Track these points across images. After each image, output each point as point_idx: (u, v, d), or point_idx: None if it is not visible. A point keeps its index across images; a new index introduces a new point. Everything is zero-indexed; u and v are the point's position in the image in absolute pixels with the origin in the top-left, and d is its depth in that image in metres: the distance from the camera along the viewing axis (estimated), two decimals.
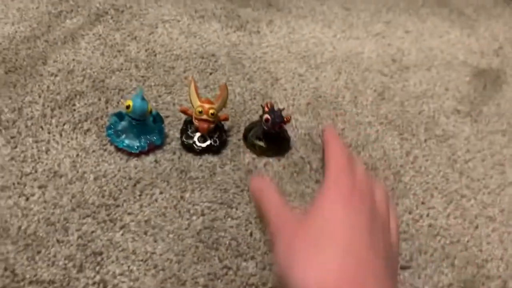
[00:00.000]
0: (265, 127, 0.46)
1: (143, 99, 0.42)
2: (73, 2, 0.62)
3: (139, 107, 0.42)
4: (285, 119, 0.46)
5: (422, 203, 0.46)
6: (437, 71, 0.64)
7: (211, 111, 0.45)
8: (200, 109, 0.45)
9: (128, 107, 0.42)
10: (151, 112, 0.44)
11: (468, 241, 0.44)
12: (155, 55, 0.57)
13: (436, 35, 0.71)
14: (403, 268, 0.41)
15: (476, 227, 0.45)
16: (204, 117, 0.45)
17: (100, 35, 0.58)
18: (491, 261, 0.43)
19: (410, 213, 0.45)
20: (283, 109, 0.47)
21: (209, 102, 0.46)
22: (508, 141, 0.55)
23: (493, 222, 0.46)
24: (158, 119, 0.46)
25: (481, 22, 0.77)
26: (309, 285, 0.29)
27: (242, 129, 0.50)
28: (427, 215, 0.45)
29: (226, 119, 0.48)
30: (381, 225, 0.35)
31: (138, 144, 0.44)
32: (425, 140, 0.53)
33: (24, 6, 0.59)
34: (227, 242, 0.40)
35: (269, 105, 0.46)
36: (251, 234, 0.40)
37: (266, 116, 0.45)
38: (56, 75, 0.51)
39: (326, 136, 0.42)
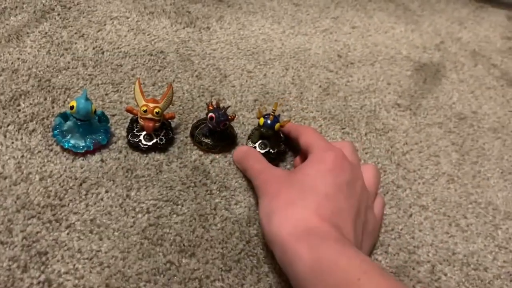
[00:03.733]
0: (210, 125, 0.47)
1: (87, 99, 0.43)
2: None
3: (83, 108, 0.43)
4: (229, 117, 0.47)
5: None
6: (381, 66, 0.66)
7: (156, 110, 0.46)
8: (145, 108, 0.46)
9: (72, 107, 0.43)
10: (95, 112, 0.45)
11: (401, 229, 0.47)
12: (103, 53, 0.57)
13: (382, 30, 0.74)
14: None
15: (410, 215, 0.48)
16: (149, 116, 0.46)
17: (46, 32, 0.58)
18: (421, 247, 0.46)
19: None
20: (229, 106, 0.49)
21: (154, 101, 0.47)
22: (444, 133, 0.58)
23: (425, 211, 0.49)
24: (103, 118, 0.47)
25: (425, 17, 0.80)
26: (281, 234, 0.35)
27: (190, 126, 0.51)
28: None
29: (172, 117, 0.49)
30: (365, 196, 0.41)
31: (83, 144, 0.45)
32: (366, 134, 0.56)
33: None
34: (172, 238, 0.41)
35: (213, 103, 0.48)
36: (193, 231, 0.42)
37: (211, 114, 0.46)
38: None
39: (295, 126, 0.49)
